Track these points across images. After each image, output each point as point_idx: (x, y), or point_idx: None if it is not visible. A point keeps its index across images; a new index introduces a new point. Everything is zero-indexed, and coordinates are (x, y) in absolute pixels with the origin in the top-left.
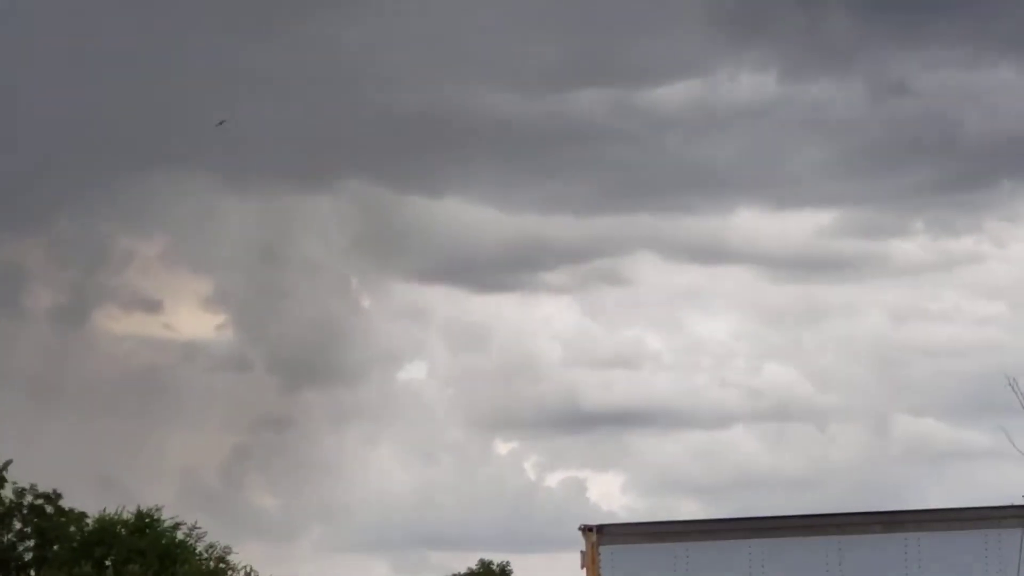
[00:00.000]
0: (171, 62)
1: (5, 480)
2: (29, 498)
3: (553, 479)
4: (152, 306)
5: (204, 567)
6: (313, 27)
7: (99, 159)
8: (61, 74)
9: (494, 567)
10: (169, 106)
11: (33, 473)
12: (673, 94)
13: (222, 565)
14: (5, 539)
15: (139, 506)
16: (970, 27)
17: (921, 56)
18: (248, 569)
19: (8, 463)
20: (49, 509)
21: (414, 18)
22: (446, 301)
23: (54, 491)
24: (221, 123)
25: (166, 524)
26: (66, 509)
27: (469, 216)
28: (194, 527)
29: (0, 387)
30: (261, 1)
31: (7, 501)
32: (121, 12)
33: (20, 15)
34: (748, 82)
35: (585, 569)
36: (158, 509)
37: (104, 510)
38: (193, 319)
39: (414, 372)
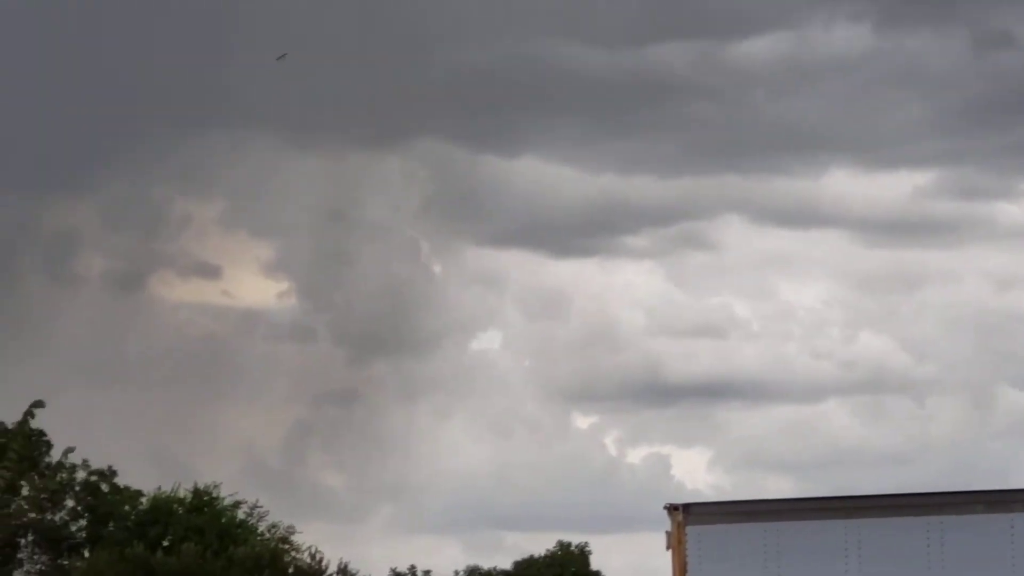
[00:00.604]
0: (229, 14)
1: (64, 466)
2: (82, 475)
3: (635, 455)
4: (210, 272)
5: (266, 547)
6: None
7: (153, 117)
8: (112, 27)
9: (573, 549)
10: (227, 60)
11: (86, 449)
12: (761, 47)
13: (285, 545)
14: (57, 518)
15: (196, 483)
16: None
17: None
18: (313, 550)
19: (70, 450)
20: (104, 487)
21: None
22: (522, 266)
23: (109, 468)
24: (282, 57)
25: (225, 502)
26: (121, 487)
27: (546, 176)
28: (255, 505)
29: (52, 358)
30: None
31: (59, 479)
32: None
33: None
34: (842, 34)
35: (671, 550)
36: (216, 486)
37: (159, 488)
38: (253, 286)
39: (488, 342)
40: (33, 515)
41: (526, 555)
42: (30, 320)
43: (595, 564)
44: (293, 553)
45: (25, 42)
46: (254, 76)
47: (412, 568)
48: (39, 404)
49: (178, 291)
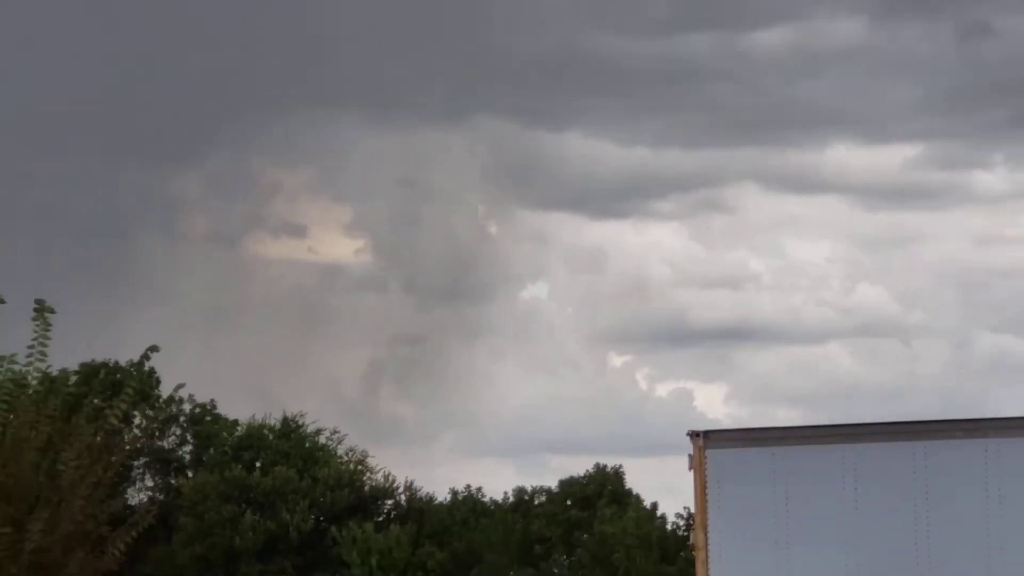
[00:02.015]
0: (317, 9)
1: (174, 400)
2: (188, 407)
3: (663, 390)
4: (298, 232)
5: (345, 469)
6: None
7: (249, 98)
8: (217, 23)
9: (608, 470)
10: (314, 46)
11: (192, 385)
12: (773, 37)
13: (360, 467)
14: (167, 443)
15: (284, 412)
16: None
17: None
18: (385, 471)
19: (180, 386)
20: (207, 417)
21: None
22: (566, 227)
23: (211, 401)
24: None
25: (309, 429)
26: (221, 417)
27: (589, 149)
28: (335, 432)
29: (161, 306)
30: None
31: (169, 410)
32: None
33: None
34: (842, 26)
35: (692, 471)
36: (302, 415)
37: (252, 417)
38: (335, 244)
39: (536, 292)
40: (145, 441)
41: (568, 475)
42: (146, 275)
43: (628, 483)
44: (368, 474)
45: (142, 37)
46: (337, 61)
47: (468, 487)
48: (154, 348)
49: (270, 249)
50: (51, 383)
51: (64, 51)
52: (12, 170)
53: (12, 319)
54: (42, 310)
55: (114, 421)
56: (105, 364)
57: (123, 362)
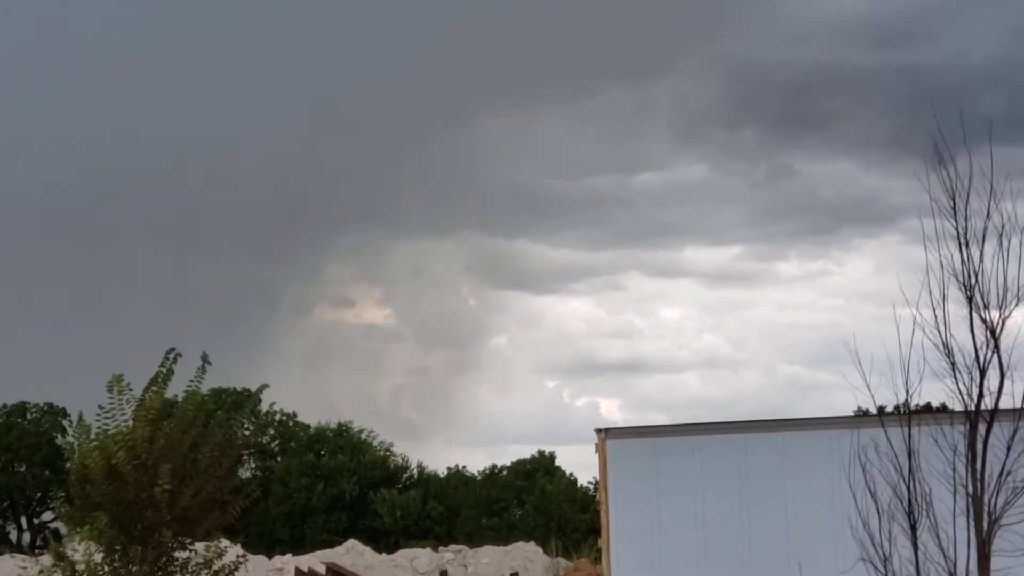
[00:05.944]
0: (370, 163)
1: (260, 401)
2: (277, 415)
3: (580, 402)
4: (349, 304)
5: (378, 454)
6: (440, 150)
7: (317, 222)
8: (295, 170)
9: (545, 454)
10: (363, 188)
11: (283, 400)
12: (650, 178)
13: (387, 453)
14: (263, 439)
15: (339, 420)
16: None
17: (804, 153)
18: (404, 456)
19: (264, 387)
20: (289, 422)
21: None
22: (517, 300)
23: (293, 411)
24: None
25: (355, 430)
26: (299, 421)
27: (532, 250)
28: (371, 432)
29: (264, 351)
30: (392, 132)
31: (262, 417)
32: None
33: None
34: (694, 169)
35: (598, 455)
36: (351, 422)
37: (319, 421)
38: (372, 312)
39: (500, 342)
40: (252, 439)
41: (519, 457)
42: (256, 334)
43: (558, 462)
44: (392, 457)
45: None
46: (375, 196)
47: (456, 465)
48: (265, 386)
49: (330, 315)
50: (200, 403)
51: (231, 198)
52: (188, 270)
53: (185, 363)
54: (204, 359)
55: (235, 428)
56: (230, 389)
57: (240, 388)
